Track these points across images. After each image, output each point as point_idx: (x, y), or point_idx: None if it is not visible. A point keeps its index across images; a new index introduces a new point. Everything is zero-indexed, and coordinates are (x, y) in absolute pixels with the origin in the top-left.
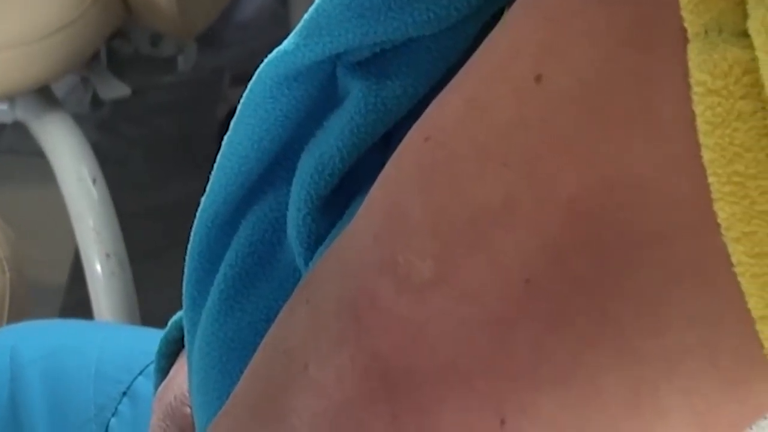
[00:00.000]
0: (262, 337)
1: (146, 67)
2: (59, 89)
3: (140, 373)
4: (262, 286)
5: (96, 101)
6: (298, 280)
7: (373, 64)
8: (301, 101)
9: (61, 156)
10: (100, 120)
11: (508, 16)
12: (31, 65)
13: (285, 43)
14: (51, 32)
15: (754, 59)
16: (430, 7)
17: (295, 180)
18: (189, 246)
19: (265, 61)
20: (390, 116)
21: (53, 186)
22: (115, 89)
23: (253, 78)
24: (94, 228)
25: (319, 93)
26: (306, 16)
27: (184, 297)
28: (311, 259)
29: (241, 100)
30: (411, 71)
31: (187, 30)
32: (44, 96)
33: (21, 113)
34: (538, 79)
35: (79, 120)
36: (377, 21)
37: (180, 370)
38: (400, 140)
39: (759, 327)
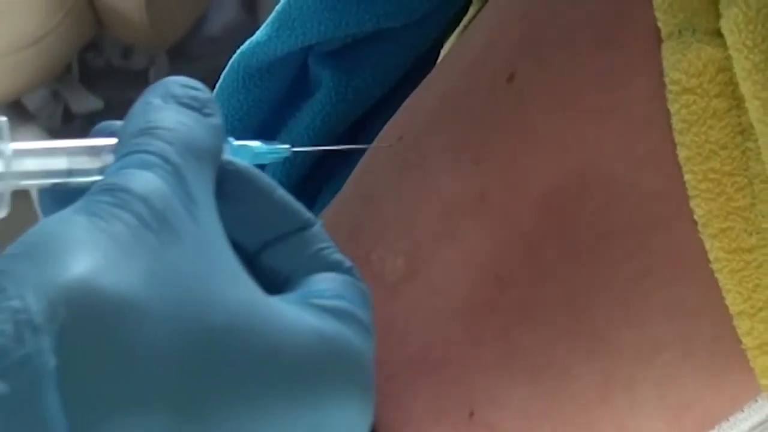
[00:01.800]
0: None
1: (118, 79)
2: (31, 103)
3: None
4: None
5: (68, 115)
6: None
7: (344, 54)
8: (273, 91)
9: None
10: (73, 134)
11: (483, 13)
12: (3, 79)
13: (257, 34)
14: (23, 46)
15: (728, 57)
16: (400, 0)
17: (267, 167)
18: None
19: (238, 52)
20: (360, 105)
21: (27, 200)
22: (87, 103)
23: (226, 69)
24: None
25: (291, 83)
26: (278, 7)
27: None
28: None
29: (214, 91)
30: (381, 61)
31: (159, 42)
32: (16, 110)
33: None
34: (510, 77)
35: (52, 134)
36: (349, 12)
37: None
38: (368, 128)
39: (737, 322)
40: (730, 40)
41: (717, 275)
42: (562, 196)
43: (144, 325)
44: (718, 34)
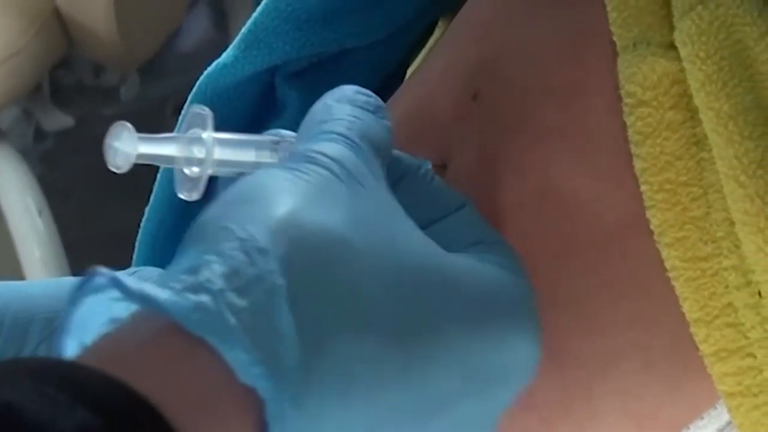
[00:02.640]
0: None
1: (89, 97)
2: (2, 122)
3: None
4: None
5: (39, 133)
6: None
7: (310, 74)
8: (241, 112)
9: (7, 189)
10: (44, 152)
11: (447, 33)
12: None
13: (224, 55)
14: None
15: (682, 70)
16: (365, 20)
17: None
18: (134, 256)
19: (205, 73)
20: None
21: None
22: (58, 121)
23: (193, 90)
24: (41, 259)
25: (258, 103)
26: (244, 29)
27: None
28: None
29: (182, 112)
30: (347, 81)
31: (129, 60)
32: None
33: None
34: (474, 96)
35: (23, 153)
36: (314, 33)
37: None
38: None
39: (694, 330)
40: (683, 52)
41: (674, 283)
42: (521, 213)
43: (353, 258)
44: (672, 46)
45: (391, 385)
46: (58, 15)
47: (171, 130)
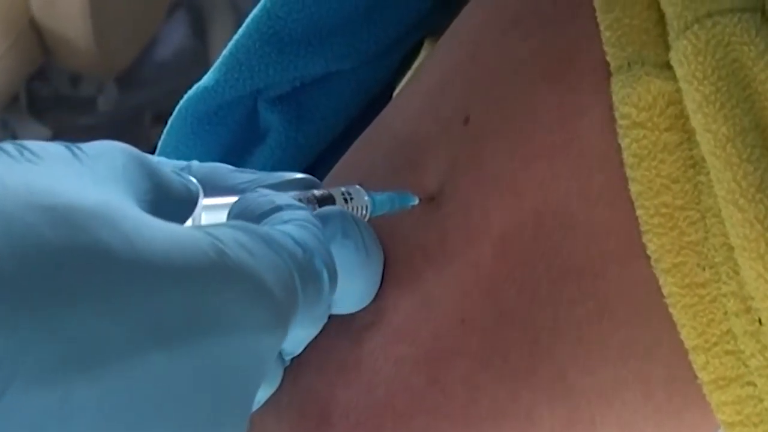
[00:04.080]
0: None
1: (66, 108)
2: None
3: None
4: None
5: None
6: None
7: (293, 98)
8: (222, 137)
9: None
10: None
11: (435, 53)
12: None
13: (204, 79)
14: None
15: (678, 90)
16: (349, 41)
17: None
18: None
19: (185, 97)
20: (311, 150)
21: None
22: (35, 132)
23: (174, 114)
24: None
25: (240, 128)
26: (225, 51)
27: None
28: None
29: (162, 137)
30: (331, 104)
31: (107, 70)
32: None
33: None
34: (466, 120)
35: None
36: (297, 55)
37: None
38: (320, 173)
39: (692, 357)
40: (679, 72)
41: (671, 310)
42: (519, 237)
43: None
44: (668, 66)
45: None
46: (34, 26)
47: (149, 140)
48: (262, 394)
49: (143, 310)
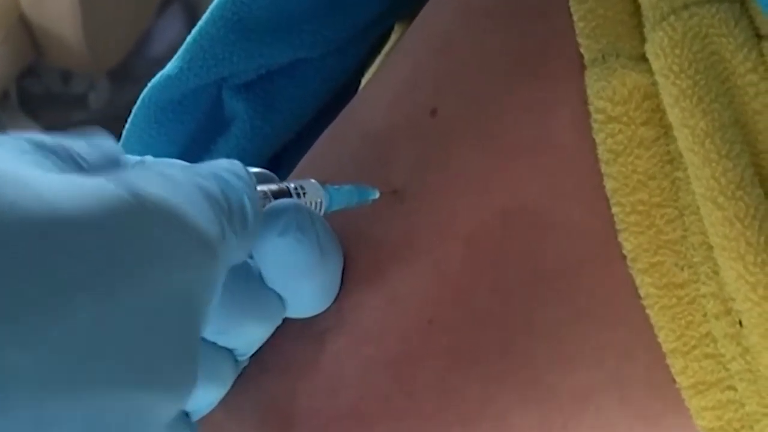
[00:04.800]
0: None
1: (58, 105)
2: None
3: None
4: None
5: None
6: None
7: (259, 86)
8: (186, 126)
9: None
10: None
11: (404, 41)
12: None
13: (168, 66)
14: None
15: (654, 83)
16: (316, 28)
17: None
18: None
19: (149, 85)
20: (277, 139)
21: None
22: (26, 129)
23: (137, 104)
24: None
25: (205, 117)
26: (189, 38)
27: None
28: None
29: (126, 126)
30: (298, 93)
31: (98, 66)
32: None
33: None
34: (433, 113)
35: None
36: (263, 43)
37: None
38: (288, 164)
39: (670, 360)
40: (656, 65)
41: (648, 312)
42: (489, 237)
43: None
44: (644, 59)
45: None
46: (23, 22)
47: None
48: (214, 396)
49: (61, 262)
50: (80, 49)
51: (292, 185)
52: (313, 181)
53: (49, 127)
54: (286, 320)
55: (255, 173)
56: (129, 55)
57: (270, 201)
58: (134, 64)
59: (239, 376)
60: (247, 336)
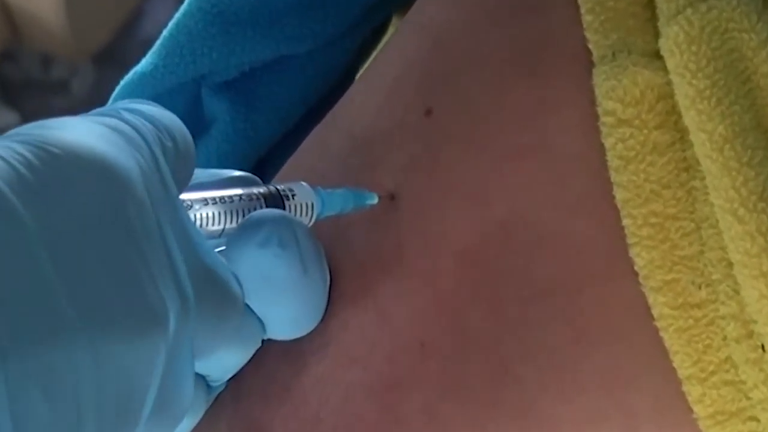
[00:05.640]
0: None
1: (38, 92)
2: None
3: None
4: None
5: None
6: None
7: (241, 84)
8: None
9: None
10: None
11: (396, 37)
12: None
13: (141, 63)
14: None
15: (669, 83)
16: (303, 23)
17: None
18: None
19: (120, 84)
20: (262, 142)
21: None
22: (4, 118)
23: (109, 102)
24: None
25: (182, 118)
26: (165, 32)
27: None
28: None
29: None
30: (284, 91)
31: (81, 48)
32: None
33: None
34: (428, 113)
35: None
36: (244, 37)
37: None
38: (273, 170)
39: (686, 388)
40: (670, 63)
41: (662, 334)
42: (485, 252)
43: None
44: (657, 56)
45: None
46: (2, 5)
47: None
48: (186, 425)
49: None
50: (62, 31)
51: (281, 187)
52: (303, 183)
53: (29, 115)
54: (266, 341)
55: (238, 178)
56: (116, 37)
57: (259, 203)
58: (122, 47)
59: (214, 401)
60: (221, 361)
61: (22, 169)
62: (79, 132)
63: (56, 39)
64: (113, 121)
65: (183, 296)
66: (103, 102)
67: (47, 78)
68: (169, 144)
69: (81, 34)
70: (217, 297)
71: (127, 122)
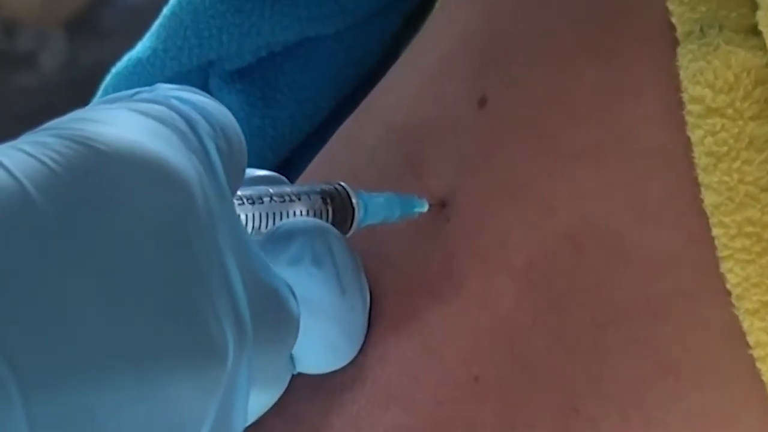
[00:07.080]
0: None
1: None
2: None
3: None
4: None
5: None
6: None
7: (257, 73)
8: None
9: None
10: None
11: (441, 14)
12: None
13: (137, 48)
14: None
15: None
16: None
17: None
18: None
19: (112, 72)
20: (283, 142)
21: None
22: None
23: (98, 94)
24: None
25: None
26: (165, 10)
27: None
28: None
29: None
30: (309, 81)
31: (51, 16)
32: None
33: None
34: (482, 102)
35: None
36: (261, 16)
37: None
38: (298, 174)
39: None
40: None
41: (759, 366)
42: (551, 268)
43: None
44: (755, 31)
45: None
46: None
47: None
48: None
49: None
50: None
51: (319, 188)
52: (344, 185)
53: None
54: (294, 375)
55: (263, 177)
56: (93, 3)
57: (292, 201)
58: (100, 15)
59: None
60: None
61: (59, 169)
62: (127, 126)
63: (22, 3)
64: (164, 111)
65: (241, 321)
66: (76, 79)
67: (11, 49)
68: (224, 145)
69: None
70: (275, 318)
71: (180, 114)
